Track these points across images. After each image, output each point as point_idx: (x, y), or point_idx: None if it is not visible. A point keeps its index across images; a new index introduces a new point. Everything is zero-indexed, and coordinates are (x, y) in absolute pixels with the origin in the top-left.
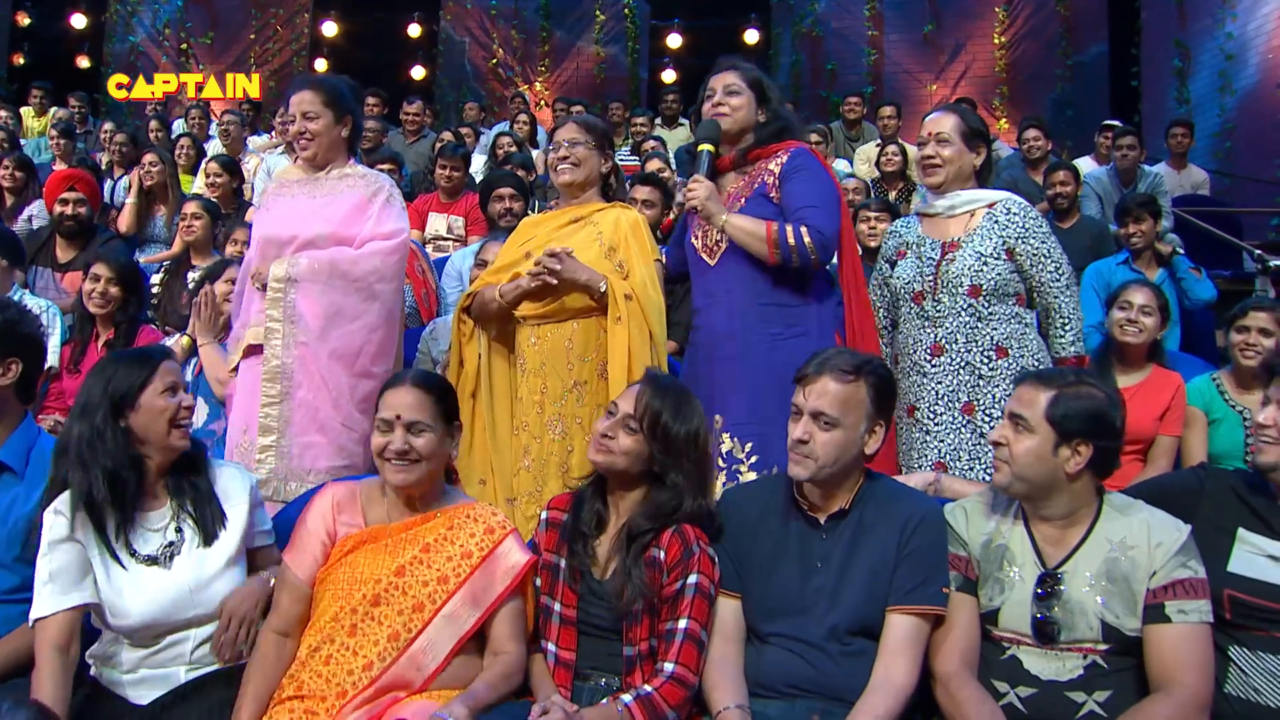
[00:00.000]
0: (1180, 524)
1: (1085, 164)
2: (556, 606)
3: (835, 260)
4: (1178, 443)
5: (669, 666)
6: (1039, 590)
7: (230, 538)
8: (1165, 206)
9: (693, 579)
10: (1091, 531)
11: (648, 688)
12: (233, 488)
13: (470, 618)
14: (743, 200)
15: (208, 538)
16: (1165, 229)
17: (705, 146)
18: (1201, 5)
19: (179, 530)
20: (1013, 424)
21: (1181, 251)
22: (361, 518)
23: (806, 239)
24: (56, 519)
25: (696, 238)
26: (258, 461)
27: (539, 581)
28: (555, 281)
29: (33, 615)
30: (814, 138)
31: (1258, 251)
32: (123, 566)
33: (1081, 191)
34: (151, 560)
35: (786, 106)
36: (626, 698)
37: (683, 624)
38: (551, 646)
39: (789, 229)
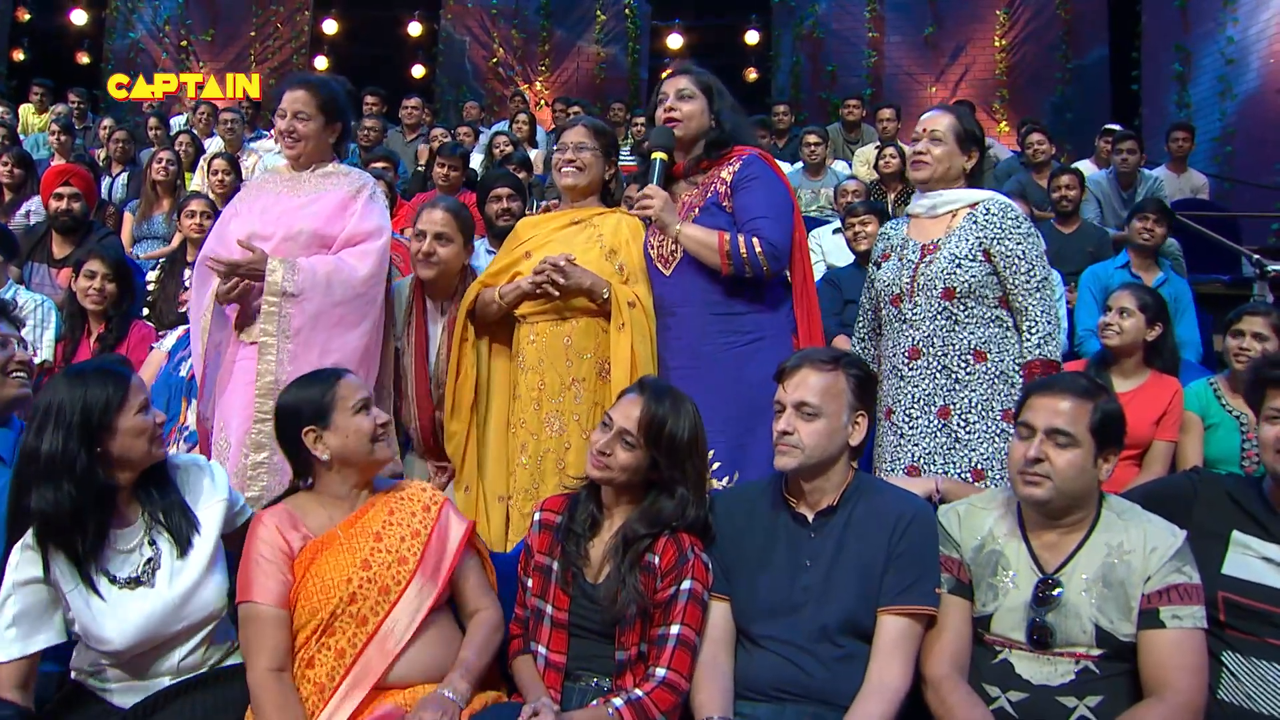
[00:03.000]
0: (1175, 529)
1: (1085, 168)
2: (548, 609)
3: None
4: (1174, 448)
5: (661, 671)
6: (1038, 595)
7: (205, 542)
8: (1173, 216)
9: (686, 585)
10: (1090, 536)
11: (639, 692)
12: (202, 485)
13: (430, 593)
14: (696, 210)
15: (183, 548)
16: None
17: (658, 155)
18: (1203, 9)
19: (153, 544)
20: (1051, 439)
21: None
22: (305, 529)
23: (758, 250)
24: (25, 555)
25: (652, 247)
26: (249, 479)
27: (530, 583)
28: (557, 294)
29: (3, 656)
30: (813, 139)
31: (1255, 256)
32: (102, 597)
33: (1084, 196)
34: (134, 582)
35: (740, 113)
36: (617, 701)
37: (675, 629)
38: (542, 649)
39: (741, 240)
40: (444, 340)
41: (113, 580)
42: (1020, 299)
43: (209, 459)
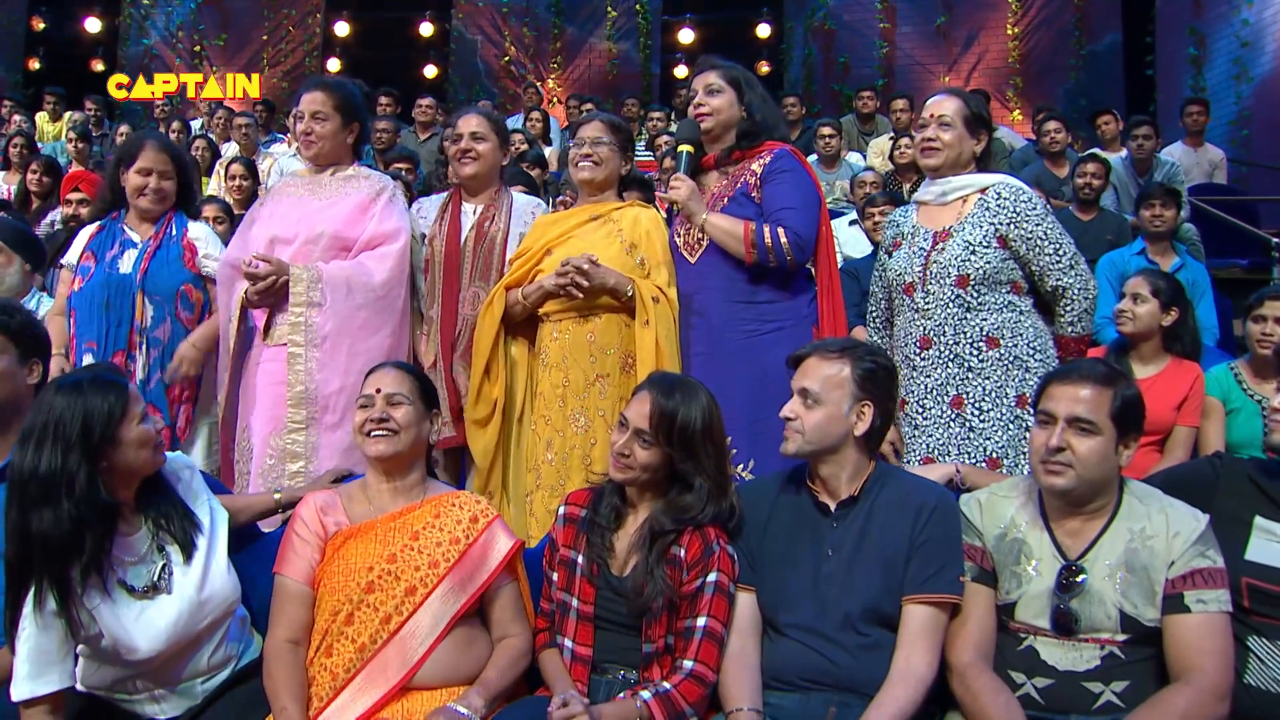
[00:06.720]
0: (1198, 513)
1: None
2: (574, 603)
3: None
4: (1195, 433)
5: (688, 664)
6: (1061, 581)
7: (206, 537)
8: (1182, 196)
9: (712, 577)
10: (1112, 522)
11: (666, 684)
12: (194, 482)
13: (456, 603)
14: (725, 200)
15: (190, 550)
16: (1181, 219)
17: (685, 147)
18: None
19: (162, 549)
20: (1073, 427)
21: None
22: (346, 516)
23: (783, 239)
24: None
25: (679, 234)
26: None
27: (555, 577)
28: (580, 295)
29: (15, 695)
30: (827, 130)
31: (1275, 240)
32: (119, 605)
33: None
34: (153, 589)
35: (770, 104)
36: (645, 694)
37: (702, 622)
38: (568, 642)
39: (766, 230)
40: (473, 234)
41: (131, 591)
42: (1055, 278)
43: (232, 462)
